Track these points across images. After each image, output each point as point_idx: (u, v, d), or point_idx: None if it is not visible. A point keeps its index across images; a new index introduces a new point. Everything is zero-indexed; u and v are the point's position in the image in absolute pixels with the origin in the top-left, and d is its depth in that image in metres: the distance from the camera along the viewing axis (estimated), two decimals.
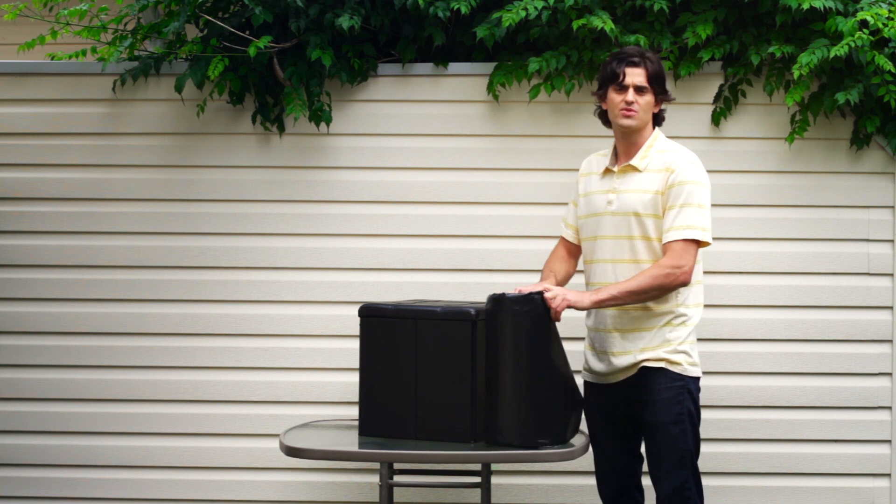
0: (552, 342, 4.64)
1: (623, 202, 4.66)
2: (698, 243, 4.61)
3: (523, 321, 4.61)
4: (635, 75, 4.65)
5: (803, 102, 5.41)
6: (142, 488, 5.55)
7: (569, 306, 4.60)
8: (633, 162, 4.68)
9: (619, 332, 4.67)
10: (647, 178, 4.65)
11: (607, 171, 4.74)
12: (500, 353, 4.66)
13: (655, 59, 4.70)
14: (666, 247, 4.60)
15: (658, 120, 4.75)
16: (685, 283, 4.60)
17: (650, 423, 4.65)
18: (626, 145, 4.71)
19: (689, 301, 4.67)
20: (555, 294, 4.58)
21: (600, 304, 4.60)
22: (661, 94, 4.70)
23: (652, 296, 4.59)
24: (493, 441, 4.71)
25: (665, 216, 4.61)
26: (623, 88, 4.66)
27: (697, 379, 4.68)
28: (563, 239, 4.94)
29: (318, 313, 5.52)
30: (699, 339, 4.82)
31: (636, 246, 4.64)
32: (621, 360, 4.66)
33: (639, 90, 4.65)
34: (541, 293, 4.64)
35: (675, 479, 4.63)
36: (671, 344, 4.63)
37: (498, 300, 4.66)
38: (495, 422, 4.69)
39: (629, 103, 4.64)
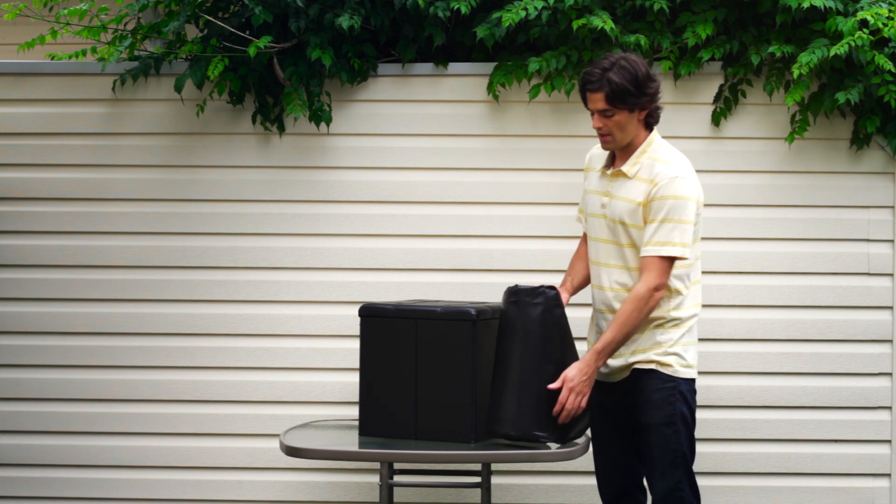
0: (562, 338, 4.63)
1: (613, 209, 4.63)
2: (674, 258, 4.55)
3: (532, 312, 4.61)
4: (596, 101, 4.56)
5: (803, 102, 5.41)
6: (142, 488, 5.55)
7: (582, 388, 4.56)
8: (624, 168, 4.63)
9: None
10: (635, 186, 4.60)
11: (603, 171, 4.72)
12: (508, 343, 4.65)
13: (619, 73, 4.52)
14: (643, 261, 4.55)
15: (650, 122, 4.64)
16: (657, 304, 4.57)
17: (643, 424, 4.64)
18: (620, 151, 4.68)
19: (685, 304, 4.63)
20: (568, 388, 4.55)
21: (602, 357, 4.56)
22: (635, 106, 4.58)
23: (643, 321, 4.56)
24: (492, 432, 4.69)
25: (646, 229, 4.56)
26: (591, 113, 4.62)
27: (691, 381, 4.66)
28: (583, 234, 4.89)
29: (318, 313, 5.52)
30: (700, 339, 4.81)
31: (625, 253, 4.62)
32: (615, 362, 4.65)
33: (603, 113, 4.57)
34: (553, 287, 4.63)
35: (667, 479, 4.62)
36: (662, 346, 4.62)
37: (513, 291, 4.66)
38: (497, 413, 4.67)
39: (598, 129, 4.61)
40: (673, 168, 4.58)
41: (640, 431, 4.67)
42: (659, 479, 4.63)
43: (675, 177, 4.55)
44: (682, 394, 4.61)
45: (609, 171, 4.67)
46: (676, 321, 4.62)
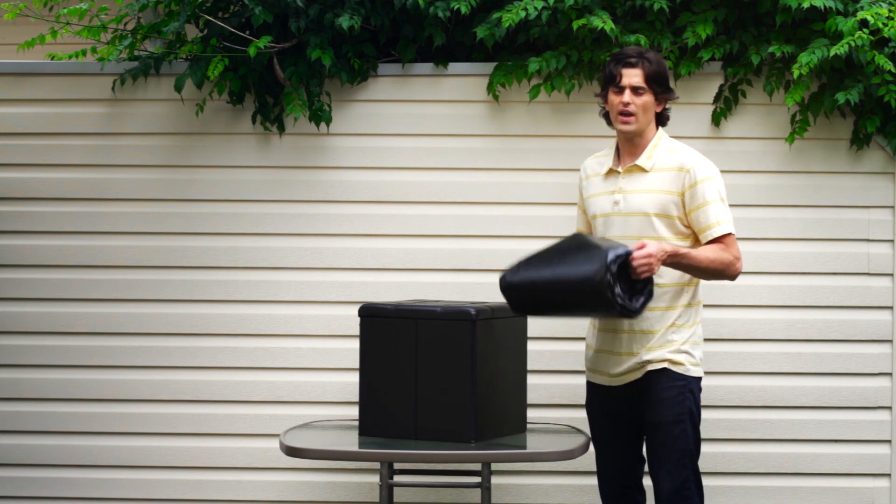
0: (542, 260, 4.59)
1: (630, 203, 4.65)
2: (731, 234, 4.65)
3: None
4: (632, 76, 4.64)
5: (803, 102, 5.41)
6: (142, 488, 5.55)
7: (656, 262, 4.47)
8: (640, 162, 4.67)
9: (625, 333, 4.66)
10: (656, 178, 4.64)
11: (611, 171, 4.73)
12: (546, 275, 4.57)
13: (655, 58, 4.68)
14: (714, 243, 4.62)
15: (662, 120, 4.74)
16: (736, 277, 4.65)
17: (652, 423, 4.65)
18: (629, 146, 4.70)
19: (693, 300, 4.68)
20: (649, 252, 4.44)
21: (675, 260, 4.54)
22: (662, 94, 4.68)
23: (709, 276, 4.62)
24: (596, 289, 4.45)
25: (694, 216, 4.62)
26: (620, 90, 4.65)
27: (699, 379, 4.68)
28: None
29: (318, 313, 5.52)
30: None
31: None
32: (627, 361, 4.65)
33: (636, 91, 4.64)
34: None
35: (675, 478, 4.63)
36: (674, 344, 4.63)
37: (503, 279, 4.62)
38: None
39: (626, 104, 4.63)
40: (694, 154, 4.69)
41: (647, 430, 4.68)
42: (665, 478, 4.63)
43: (701, 160, 4.67)
44: (691, 392, 4.64)
45: (621, 168, 4.69)
46: (687, 318, 4.65)
